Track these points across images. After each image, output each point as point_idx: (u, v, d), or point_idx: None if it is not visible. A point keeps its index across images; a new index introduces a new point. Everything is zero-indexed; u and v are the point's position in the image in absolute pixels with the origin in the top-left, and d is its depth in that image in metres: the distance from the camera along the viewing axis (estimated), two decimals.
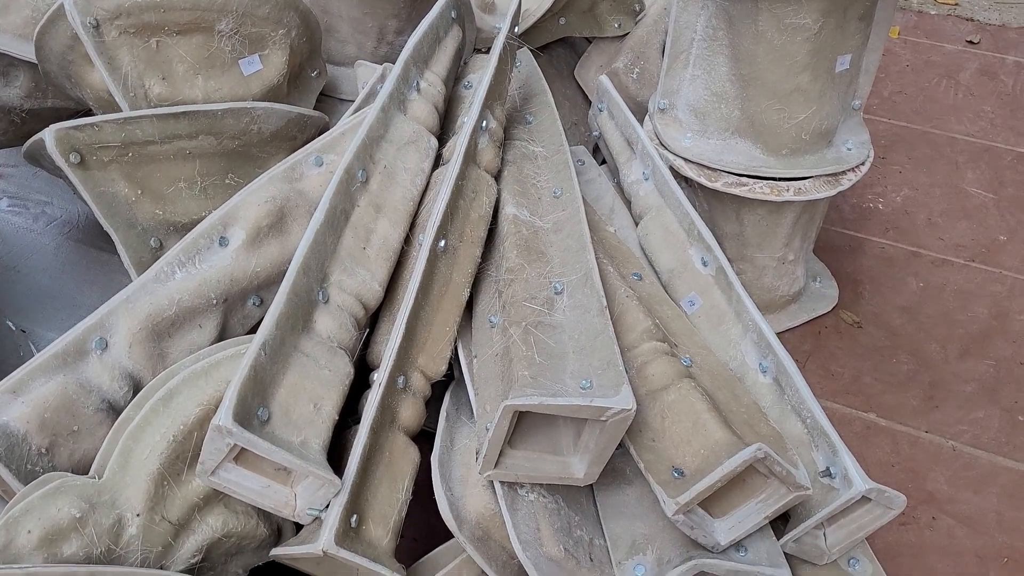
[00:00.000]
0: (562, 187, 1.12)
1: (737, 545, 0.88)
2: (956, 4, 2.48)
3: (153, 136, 1.08)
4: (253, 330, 1.02)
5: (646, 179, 1.24)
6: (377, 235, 1.00)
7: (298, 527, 0.90)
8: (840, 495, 0.89)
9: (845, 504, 0.89)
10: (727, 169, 1.27)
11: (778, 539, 0.92)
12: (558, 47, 1.61)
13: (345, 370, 0.89)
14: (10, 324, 1.25)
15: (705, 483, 0.82)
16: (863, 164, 1.30)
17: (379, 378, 0.90)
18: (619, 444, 0.87)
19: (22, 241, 1.44)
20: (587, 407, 0.81)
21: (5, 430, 0.83)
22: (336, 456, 0.85)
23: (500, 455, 0.87)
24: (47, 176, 1.40)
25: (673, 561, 0.87)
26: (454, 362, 1.01)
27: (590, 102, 1.55)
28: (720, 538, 0.87)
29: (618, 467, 0.96)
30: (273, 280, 1.03)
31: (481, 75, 1.18)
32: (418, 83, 1.14)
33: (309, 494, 0.82)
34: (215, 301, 0.98)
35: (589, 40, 1.63)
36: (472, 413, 0.98)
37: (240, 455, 0.80)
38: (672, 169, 1.26)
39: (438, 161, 1.12)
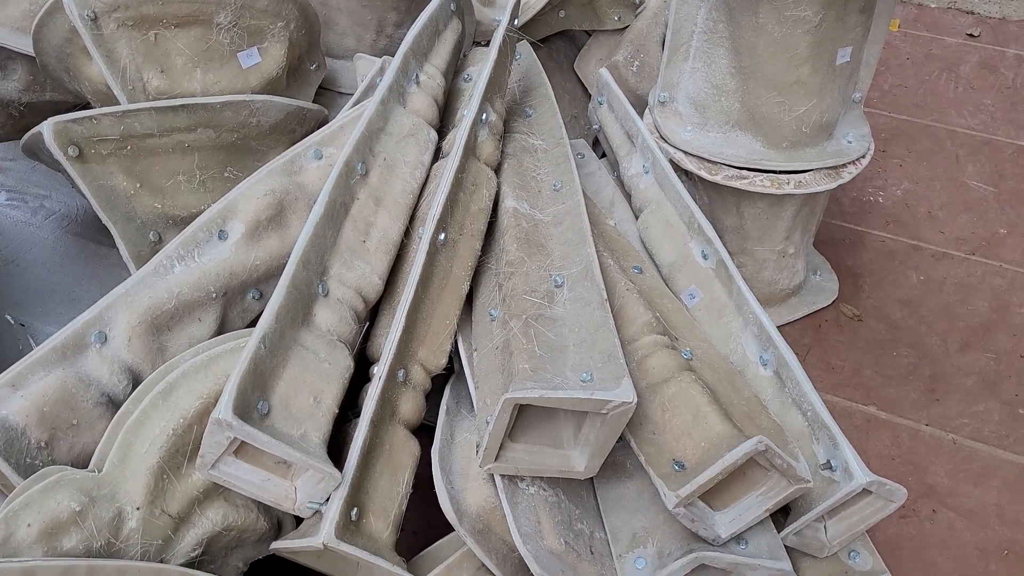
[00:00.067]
0: (562, 180, 1.12)
1: (738, 538, 0.88)
2: None
3: (152, 129, 1.07)
4: (253, 324, 1.02)
5: (646, 172, 1.24)
6: (377, 228, 1.00)
7: (298, 520, 0.90)
8: (841, 488, 0.89)
9: (846, 497, 0.89)
10: (727, 162, 1.27)
11: (779, 532, 0.92)
12: (558, 40, 1.61)
13: (345, 363, 0.89)
14: (9, 318, 1.25)
15: (706, 476, 0.82)
16: (863, 157, 1.30)
17: (379, 371, 0.89)
18: (620, 437, 0.87)
19: (21, 235, 1.44)
20: (588, 400, 0.81)
21: (4, 424, 0.83)
22: (336, 449, 0.85)
23: (500, 448, 0.87)
24: (46, 170, 1.40)
25: (674, 554, 0.87)
26: (454, 355, 1.01)
27: (590, 95, 1.55)
28: (721, 531, 0.86)
29: (619, 460, 0.96)
30: (273, 273, 1.02)
31: (481, 68, 1.18)
32: (417, 76, 1.14)
33: (309, 487, 0.82)
34: (214, 295, 0.98)
35: (589, 33, 1.62)
36: (472, 406, 0.98)
37: (240, 448, 0.80)
38: (672, 162, 1.26)
39: (438, 154, 1.11)
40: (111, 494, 0.81)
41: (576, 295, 0.95)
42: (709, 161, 1.28)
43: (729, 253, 1.11)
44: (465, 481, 0.91)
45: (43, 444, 0.84)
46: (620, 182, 1.31)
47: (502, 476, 0.89)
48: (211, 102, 1.11)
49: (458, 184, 1.03)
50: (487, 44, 1.24)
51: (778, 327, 1.03)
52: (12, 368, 0.86)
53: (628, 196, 1.28)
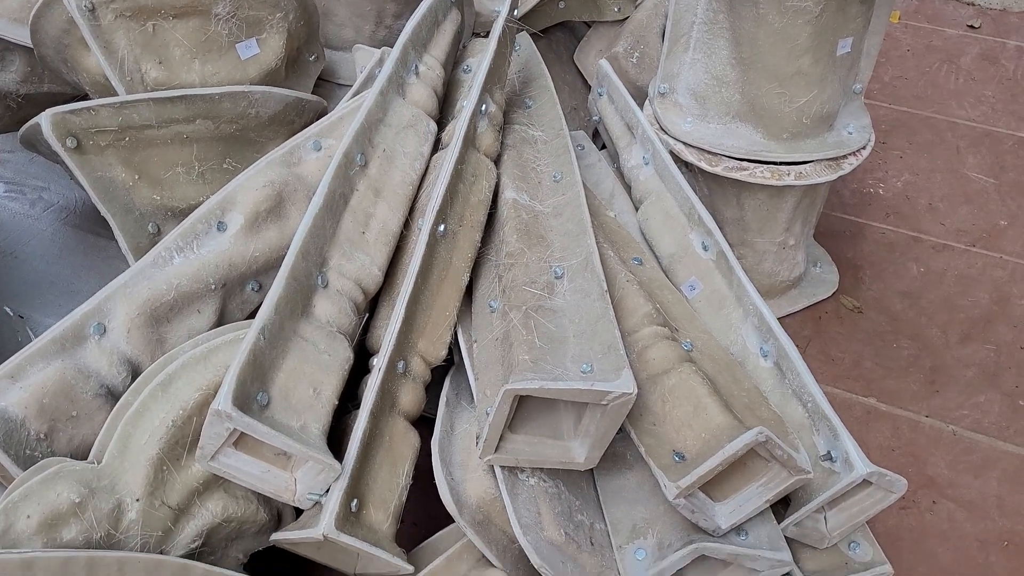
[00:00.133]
0: (562, 171, 1.11)
1: (738, 529, 0.88)
2: None
3: (150, 120, 1.07)
4: (252, 315, 1.01)
5: (646, 164, 1.24)
6: (376, 219, 0.99)
7: (298, 512, 0.90)
8: (841, 478, 0.89)
9: (846, 487, 0.88)
10: (727, 153, 1.26)
11: (779, 523, 0.92)
12: (557, 31, 1.60)
13: (344, 355, 0.89)
14: (7, 310, 1.25)
15: (706, 467, 0.82)
16: (864, 148, 1.30)
17: (379, 363, 0.89)
18: (620, 428, 0.87)
19: (19, 227, 1.43)
20: (588, 391, 0.80)
21: (4, 415, 0.83)
22: (336, 441, 0.84)
23: (500, 439, 0.87)
24: (44, 162, 1.40)
25: (674, 545, 0.87)
26: (454, 347, 1.01)
27: (589, 87, 1.54)
28: (721, 522, 0.86)
29: (619, 451, 0.96)
30: (272, 265, 1.02)
31: (480, 59, 1.17)
32: (417, 67, 1.13)
33: (309, 479, 0.81)
34: (213, 286, 0.98)
35: (588, 24, 1.62)
36: (472, 398, 0.97)
37: (240, 440, 0.80)
38: (672, 154, 1.25)
39: (437, 145, 1.11)
40: (111, 485, 0.81)
41: (576, 286, 0.95)
42: (709, 152, 1.27)
43: (729, 245, 1.11)
44: (465, 472, 0.91)
45: (42, 435, 0.84)
46: (620, 174, 1.31)
47: (502, 467, 0.89)
48: (209, 93, 1.11)
49: (458, 175, 1.03)
50: (486, 35, 1.23)
51: (778, 319, 1.03)
52: (11, 360, 0.86)
53: (628, 188, 1.28)
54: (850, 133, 1.28)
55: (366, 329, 0.99)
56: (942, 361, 1.37)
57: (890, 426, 1.27)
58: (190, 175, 1.12)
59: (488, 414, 0.85)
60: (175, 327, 0.96)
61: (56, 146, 1.02)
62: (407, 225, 1.02)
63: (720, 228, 1.12)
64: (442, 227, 0.98)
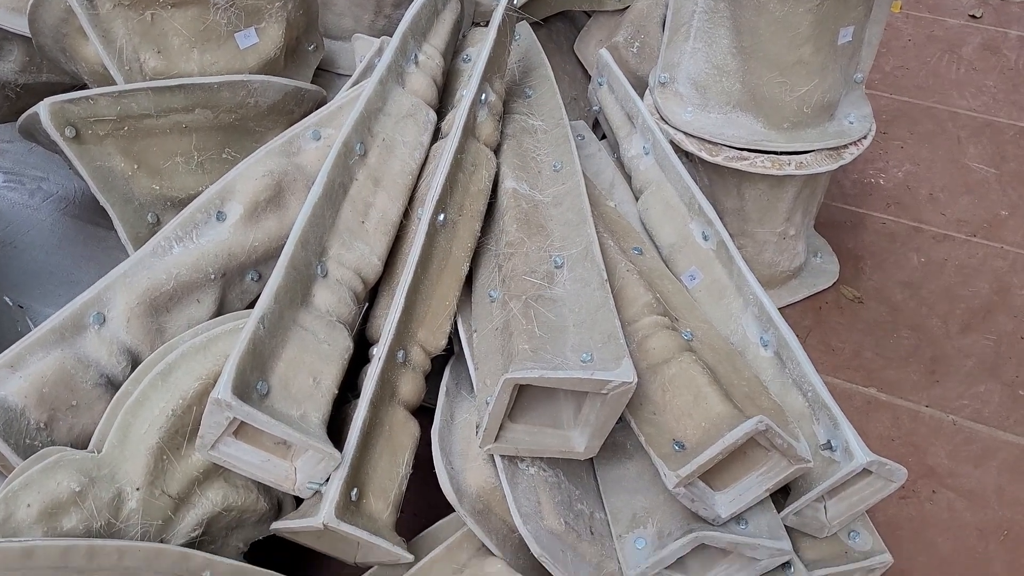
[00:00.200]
0: (562, 161, 1.11)
1: (738, 518, 0.88)
2: None
3: (149, 109, 1.07)
4: (252, 305, 1.01)
5: (646, 153, 1.24)
6: (376, 209, 0.99)
7: (298, 501, 0.90)
8: (841, 467, 0.89)
9: (846, 476, 0.89)
10: (728, 143, 1.26)
11: (779, 512, 0.92)
12: (557, 21, 1.60)
13: (344, 344, 0.89)
14: (7, 300, 1.25)
15: (706, 456, 0.82)
16: (865, 138, 1.29)
17: (378, 352, 0.89)
18: (620, 418, 0.87)
19: (18, 217, 1.43)
20: (588, 380, 0.80)
21: (3, 404, 0.83)
22: (336, 430, 0.84)
23: (500, 429, 0.87)
24: (43, 152, 1.39)
25: (674, 534, 0.87)
26: (454, 337, 1.01)
27: (589, 77, 1.54)
28: (721, 511, 0.86)
29: (618, 441, 0.96)
30: (271, 255, 1.02)
31: (480, 48, 1.17)
32: (416, 56, 1.13)
33: (309, 468, 0.81)
34: (213, 276, 0.98)
35: (588, 14, 1.61)
36: (472, 388, 0.97)
37: (240, 429, 0.80)
38: (672, 143, 1.25)
39: (437, 135, 1.11)
40: (111, 475, 0.81)
41: (576, 276, 0.95)
42: (709, 142, 1.27)
43: (730, 235, 1.11)
44: (465, 462, 0.91)
45: (42, 425, 0.84)
46: (620, 164, 1.30)
47: (502, 457, 0.89)
48: (208, 82, 1.11)
49: (457, 165, 1.02)
50: (486, 24, 1.23)
51: (778, 309, 1.03)
52: (11, 349, 0.86)
53: (628, 178, 1.28)
54: (851, 123, 1.28)
55: (366, 319, 0.99)
56: (942, 351, 1.37)
57: (890, 416, 1.27)
58: (189, 165, 1.11)
59: (488, 403, 0.85)
60: (175, 317, 0.96)
61: (55, 135, 1.02)
62: (407, 215, 1.02)
63: (720, 218, 1.12)
64: (442, 216, 0.98)
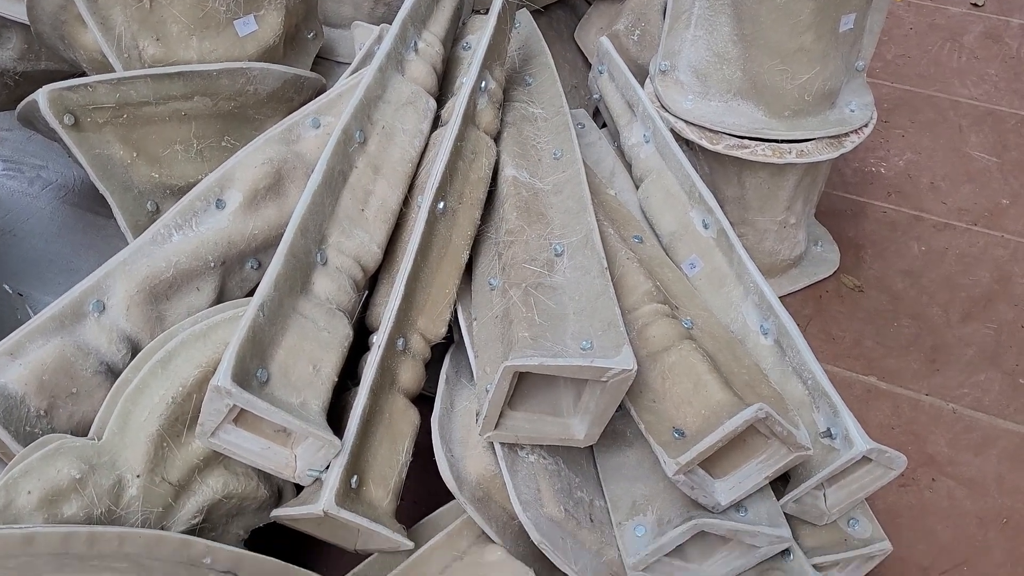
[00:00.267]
0: (562, 149, 1.11)
1: (737, 505, 0.88)
2: None
3: (148, 97, 1.06)
4: (251, 293, 1.01)
5: (647, 142, 1.23)
6: (375, 197, 0.99)
7: (299, 488, 0.90)
8: (841, 455, 0.89)
9: (846, 464, 0.89)
10: (728, 131, 1.26)
11: (778, 500, 0.92)
12: (557, 9, 1.59)
13: (344, 332, 0.89)
14: (7, 287, 1.25)
15: (706, 443, 0.82)
16: (866, 126, 1.29)
17: (378, 340, 0.89)
18: (619, 406, 0.87)
19: (18, 205, 1.43)
20: (588, 367, 0.80)
21: (4, 392, 0.83)
22: (336, 418, 0.85)
23: (500, 416, 0.87)
24: (42, 140, 1.39)
25: (673, 521, 0.87)
26: (454, 325, 1.01)
27: (590, 65, 1.53)
28: (721, 498, 0.86)
29: (618, 429, 0.96)
30: (271, 243, 1.02)
31: (480, 36, 1.16)
32: (416, 43, 1.13)
33: (309, 455, 0.81)
34: (212, 264, 0.98)
35: (589, 2, 1.61)
36: (472, 376, 0.97)
37: (239, 416, 0.80)
38: (673, 132, 1.25)
39: (436, 122, 1.10)
40: (111, 462, 0.81)
41: (576, 264, 0.94)
42: (710, 130, 1.27)
43: (730, 223, 1.10)
44: (465, 449, 0.91)
45: (42, 412, 0.84)
46: (621, 152, 1.30)
47: (502, 444, 0.89)
48: (207, 69, 1.10)
49: (457, 152, 1.02)
50: (486, 12, 1.22)
51: (779, 298, 1.03)
52: (10, 337, 0.86)
53: (629, 166, 1.27)
54: (852, 111, 1.28)
55: (365, 307, 0.99)
56: (943, 340, 1.37)
57: (890, 404, 1.27)
58: (188, 153, 1.11)
59: (488, 391, 0.85)
60: (174, 304, 0.96)
61: (53, 123, 1.01)
62: (406, 203, 1.02)
63: (721, 206, 1.12)
64: (441, 204, 0.98)
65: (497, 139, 1.11)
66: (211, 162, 1.10)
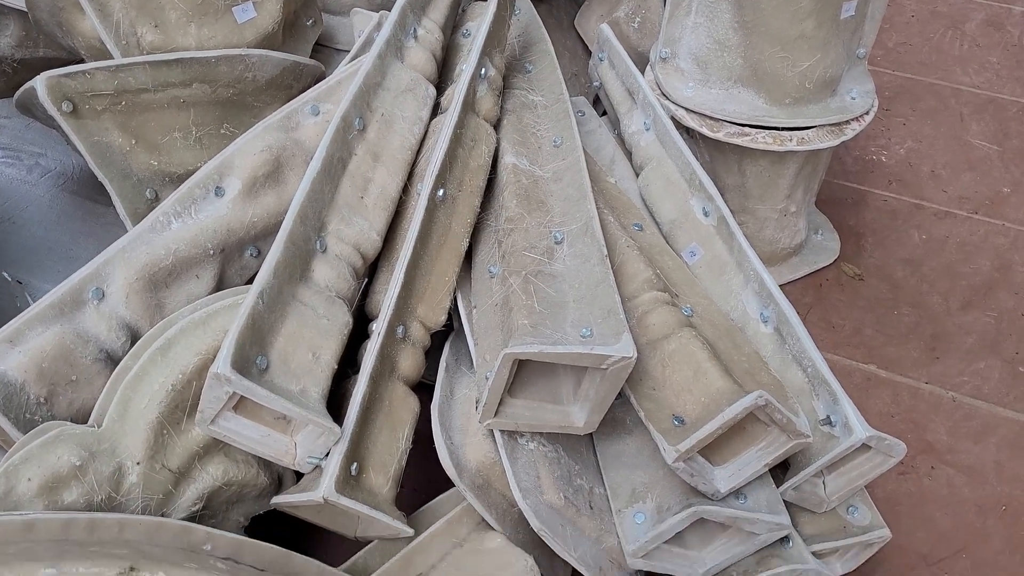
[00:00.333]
0: (562, 136, 1.10)
1: (737, 493, 0.89)
2: None
3: (146, 84, 1.06)
4: (251, 281, 1.01)
5: (647, 129, 1.23)
6: (375, 184, 0.99)
7: (299, 476, 0.90)
8: (840, 443, 0.89)
9: (845, 451, 0.89)
10: (729, 119, 1.25)
11: (778, 487, 0.92)
12: None
13: (344, 319, 0.89)
14: (6, 275, 1.25)
15: (705, 431, 0.82)
16: (867, 114, 1.29)
17: (378, 328, 0.89)
18: (619, 393, 0.87)
19: (17, 193, 1.43)
20: (587, 355, 0.80)
21: (3, 379, 0.83)
22: (336, 405, 0.85)
23: (500, 404, 0.87)
24: (41, 127, 1.39)
25: (673, 508, 0.87)
26: (453, 313, 1.01)
27: (590, 52, 1.52)
28: (720, 486, 0.87)
29: (618, 417, 0.96)
30: (270, 230, 1.02)
31: (480, 22, 1.16)
32: (415, 30, 1.12)
33: (309, 443, 0.82)
34: (212, 251, 0.97)
35: None
36: (472, 363, 0.97)
37: (239, 404, 0.80)
38: (673, 119, 1.24)
39: (436, 110, 1.10)
40: (111, 449, 0.81)
41: (576, 251, 0.94)
42: (711, 118, 1.26)
43: (730, 211, 1.10)
44: (465, 437, 0.91)
45: (42, 400, 0.84)
46: (621, 140, 1.30)
47: (501, 432, 0.89)
48: (206, 56, 1.10)
49: (457, 140, 1.02)
50: None
51: (779, 286, 1.03)
52: (10, 324, 0.86)
53: (629, 154, 1.27)
54: (853, 99, 1.27)
55: (365, 294, 0.99)
56: (943, 328, 1.37)
57: (890, 392, 1.27)
58: (187, 140, 1.11)
59: (488, 379, 0.85)
60: (174, 292, 0.96)
61: (52, 110, 1.01)
62: (406, 190, 1.02)
63: (721, 194, 1.12)
64: (441, 192, 0.98)
65: (497, 127, 1.11)
66: (210, 149, 1.10)
